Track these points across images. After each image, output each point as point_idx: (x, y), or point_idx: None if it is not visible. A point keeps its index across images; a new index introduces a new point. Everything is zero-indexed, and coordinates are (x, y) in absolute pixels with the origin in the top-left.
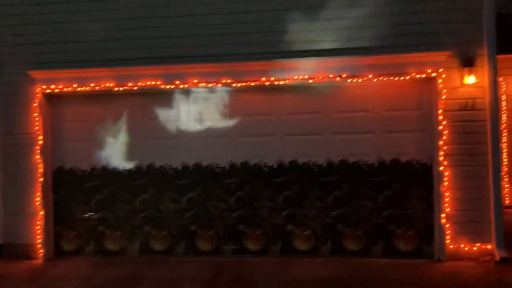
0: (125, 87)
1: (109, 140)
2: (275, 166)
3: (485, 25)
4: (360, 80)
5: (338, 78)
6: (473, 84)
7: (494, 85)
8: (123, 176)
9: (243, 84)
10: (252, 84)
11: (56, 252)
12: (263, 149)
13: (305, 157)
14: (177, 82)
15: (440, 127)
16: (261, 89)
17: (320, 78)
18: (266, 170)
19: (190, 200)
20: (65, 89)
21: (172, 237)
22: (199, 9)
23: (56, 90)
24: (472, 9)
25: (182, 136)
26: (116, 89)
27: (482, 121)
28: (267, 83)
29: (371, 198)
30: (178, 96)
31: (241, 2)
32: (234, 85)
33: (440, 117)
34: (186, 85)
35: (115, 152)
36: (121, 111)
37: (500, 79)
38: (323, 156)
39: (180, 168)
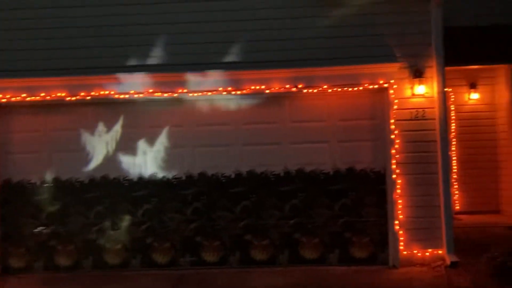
0: (78, 97)
1: (60, 151)
2: (233, 176)
3: (433, 38)
4: (315, 91)
5: (294, 89)
6: (423, 94)
7: (443, 95)
8: (75, 188)
9: (199, 94)
10: (209, 94)
11: (3, 269)
12: (221, 160)
13: (263, 167)
14: (132, 91)
15: (393, 136)
16: (218, 99)
17: (276, 88)
18: (223, 181)
19: (146, 212)
20: (13, 98)
21: (127, 250)
22: (153, 18)
23: (4, 100)
24: (421, 23)
25: (138, 146)
26: (68, 98)
27: (432, 130)
28: (224, 93)
29: (328, 206)
30: (132, 107)
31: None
32: (190, 95)
33: (392, 127)
34: (141, 95)
35: (67, 164)
36: (73, 122)
37: (449, 90)
38: (280, 165)
39: (135, 179)
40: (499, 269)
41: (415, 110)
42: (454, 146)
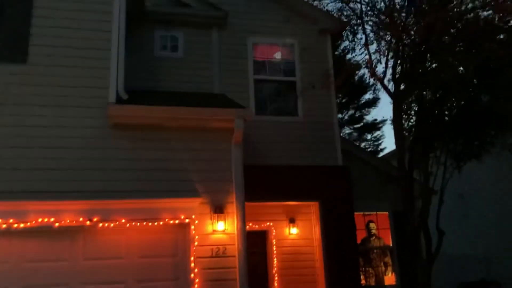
0: None
1: None
2: None
3: (234, 175)
4: (112, 225)
5: (88, 222)
6: (223, 230)
7: (243, 232)
8: None
9: None
10: None
11: None
12: None
13: None
14: None
15: (192, 275)
16: None
17: (68, 221)
18: None
19: None
20: None
21: None
22: None
23: None
24: (223, 160)
25: None
26: None
27: (233, 268)
28: (4, 225)
29: None
30: None
31: None
32: None
33: (192, 265)
34: None
35: None
36: None
37: (271, 224)
38: None
39: None
40: None
41: (216, 246)
42: (276, 281)
